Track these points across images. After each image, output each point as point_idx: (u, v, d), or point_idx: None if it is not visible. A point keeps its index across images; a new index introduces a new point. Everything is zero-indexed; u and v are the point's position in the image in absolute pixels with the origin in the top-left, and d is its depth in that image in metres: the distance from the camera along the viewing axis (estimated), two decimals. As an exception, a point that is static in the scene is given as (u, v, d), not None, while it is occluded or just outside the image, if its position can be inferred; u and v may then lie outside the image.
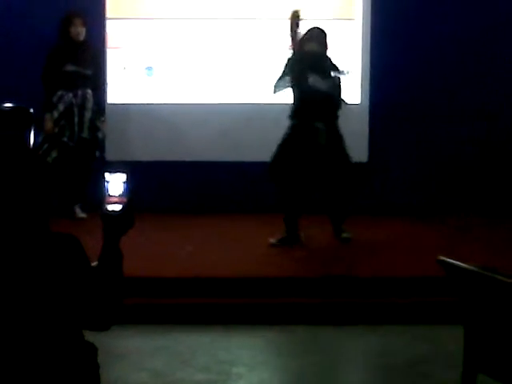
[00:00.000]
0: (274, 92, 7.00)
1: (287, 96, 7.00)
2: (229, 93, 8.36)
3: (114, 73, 8.30)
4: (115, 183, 2.71)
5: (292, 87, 6.88)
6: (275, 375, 5.08)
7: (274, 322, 5.78)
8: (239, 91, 8.36)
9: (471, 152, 8.33)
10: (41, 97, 7.52)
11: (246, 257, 6.56)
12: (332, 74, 6.88)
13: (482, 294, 3.63)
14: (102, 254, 2.68)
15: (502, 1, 8.41)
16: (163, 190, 8.19)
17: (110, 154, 7.97)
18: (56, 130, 7.59)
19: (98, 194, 2.77)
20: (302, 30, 6.92)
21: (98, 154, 7.78)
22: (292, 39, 6.87)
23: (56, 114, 7.60)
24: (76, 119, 7.63)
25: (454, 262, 3.71)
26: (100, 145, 7.84)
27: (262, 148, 7.88)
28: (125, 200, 2.70)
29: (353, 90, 8.11)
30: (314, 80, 6.77)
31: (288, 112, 6.87)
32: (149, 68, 8.35)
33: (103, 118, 7.84)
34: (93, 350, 2.77)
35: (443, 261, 3.75)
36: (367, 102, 8.31)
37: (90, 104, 7.68)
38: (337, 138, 6.82)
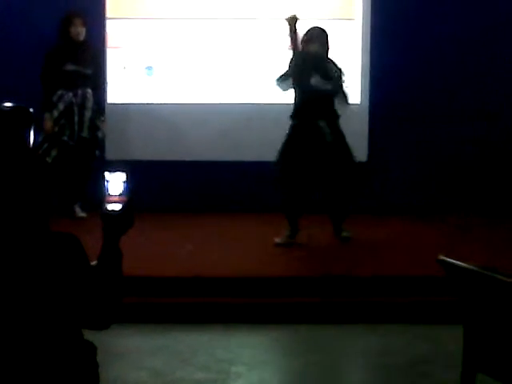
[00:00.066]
0: (276, 84, 6.99)
1: (288, 96, 7.01)
2: (229, 93, 8.36)
3: (113, 72, 8.30)
4: (115, 183, 2.71)
5: (294, 88, 6.89)
6: (275, 374, 5.08)
7: (274, 321, 5.78)
8: (239, 91, 8.36)
9: (471, 151, 8.33)
10: (40, 96, 7.53)
11: (246, 256, 6.57)
12: (335, 73, 6.87)
13: (481, 293, 3.63)
14: (101, 254, 2.69)
15: (502, 1, 8.41)
16: (163, 190, 8.19)
17: (110, 154, 7.97)
18: (56, 129, 7.60)
19: (98, 193, 2.77)
20: (302, 30, 6.92)
21: (97, 153, 7.79)
22: (291, 40, 6.86)
23: (56, 114, 7.60)
24: (76, 118, 7.63)
25: (454, 261, 3.71)
26: (100, 144, 7.85)
27: (262, 148, 7.90)
28: (125, 199, 2.71)
29: (353, 89, 8.11)
30: (315, 81, 6.77)
31: (288, 112, 6.87)
32: (149, 68, 8.36)
33: (103, 118, 7.85)
34: (92, 348, 2.77)
35: (443, 260, 3.75)
36: (367, 102, 8.31)
37: (89, 103, 7.69)
38: (340, 136, 6.83)
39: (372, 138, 8.29)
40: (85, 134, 7.67)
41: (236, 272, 6.13)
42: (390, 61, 8.17)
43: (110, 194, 2.71)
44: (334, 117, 6.84)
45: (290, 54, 6.93)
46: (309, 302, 5.92)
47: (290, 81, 6.88)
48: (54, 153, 7.56)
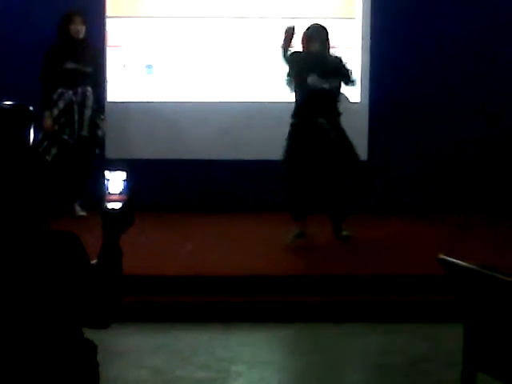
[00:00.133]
0: (286, 84, 6.99)
1: (288, 94, 7.00)
2: (229, 91, 8.36)
3: (113, 71, 8.30)
4: (115, 181, 2.71)
5: (294, 87, 6.90)
6: (275, 373, 5.07)
7: (274, 320, 5.78)
8: (239, 89, 8.36)
9: (471, 151, 8.33)
10: (40, 94, 7.52)
11: (246, 255, 6.57)
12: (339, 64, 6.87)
13: (481, 292, 3.63)
14: (101, 252, 2.68)
15: (502, 1, 8.41)
16: (163, 189, 8.19)
17: (110, 152, 7.97)
18: (56, 127, 7.59)
19: (98, 192, 2.77)
20: (302, 29, 6.93)
21: (97, 151, 7.79)
22: (283, 47, 6.85)
23: (56, 112, 7.60)
24: (76, 117, 7.63)
25: (454, 260, 3.71)
26: (100, 143, 7.85)
27: (263, 146, 7.91)
28: (125, 198, 2.70)
29: (353, 88, 8.10)
30: (312, 80, 6.78)
31: (289, 110, 6.88)
32: (149, 66, 8.35)
33: (103, 116, 7.85)
34: (92, 347, 2.77)
35: (443, 259, 3.75)
36: (367, 101, 8.31)
37: (90, 102, 7.68)
38: (342, 134, 6.84)
39: (372, 138, 8.29)
40: (85, 132, 7.67)
41: (236, 271, 6.13)
42: (390, 60, 8.17)
43: (110, 192, 2.70)
44: (335, 114, 6.84)
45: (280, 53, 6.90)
46: (309, 300, 5.92)
47: (291, 80, 6.89)
48: (53, 151, 7.56)
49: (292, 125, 6.85)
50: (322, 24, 6.97)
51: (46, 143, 7.53)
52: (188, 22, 8.32)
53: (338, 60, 6.90)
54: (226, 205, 8.18)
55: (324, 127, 6.78)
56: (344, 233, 6.94)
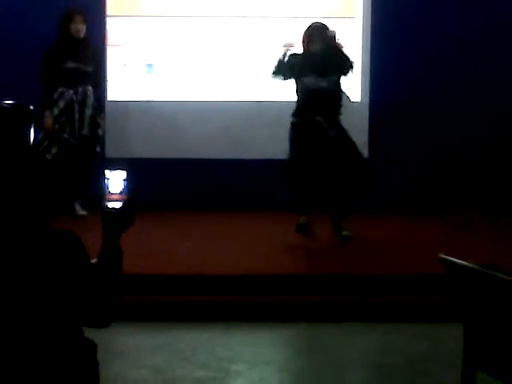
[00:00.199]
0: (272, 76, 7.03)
1: (288, 93, 7.01)
2: (229, 90, 8.36)
3: (114, 70, 8.30)
4: (115, 180, 2.71)
5: (295, 86, 6.91)
6: (275, 373, 5.07)
7: (274, 319, 5.78)
8: (240, 88, 8.36)
9: (471, 149, 8.33)
10: (41, 94, 7.52)
11: (246, 254, 6.56)
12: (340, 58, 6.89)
13: (482, 291, 3.63)
14: (101, 252, 2.68)
15: (502, 1, 8.41)
16: (163, 187, 8.19)
17: (110, 151, 7.97)
18: (56, 126, 7.59)
19: (98, 191, 2.77)
20: (303, 28, 6.95)
21: (98, 149, 7.78)
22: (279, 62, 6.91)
23: (56, 111, 7.60)
24: (76, 116, 7.63)
25: (455, 259, 3.71)
26: (100, 142, 7.84)
27: (263, 145, 7.91)
28: (125, 197, 2.70)
29: (353, 87, 8.11)
30: (309, 80, 6.80)
31: (289, 109, 6.91)
32: (149, 65, 8.35)
33: (103, 115, 7.84)
34: (92, 346, 2.77)
35: (444, 258, 3.75)
36: (367, 100, 8.31)
37: (90, 101, 7.68)
38: (341, 132, 6.85)
39: (372, 137, 8.29)
40: (85, 131, 7.67)
41: (236, 270, 6.13)
42: (390, 59, 8.18)
43: (111, 191, 2.70)
44: (334, 113, 6.85)
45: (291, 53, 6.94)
46: (309, 300, 5.92)
47: (281, 77, 6.92)
48: (54, 150, 7.55)
49: (292, 123, 6.90)
50: (321, 22, 6.97)
51: (46, 142, 7.53)
52: (188, 21, 8.32)
53: (339, 54, 6.89)
54: (226, 204, 8.18)
55: (321, 125, 6.80)
56: (344, 233, 6.94)
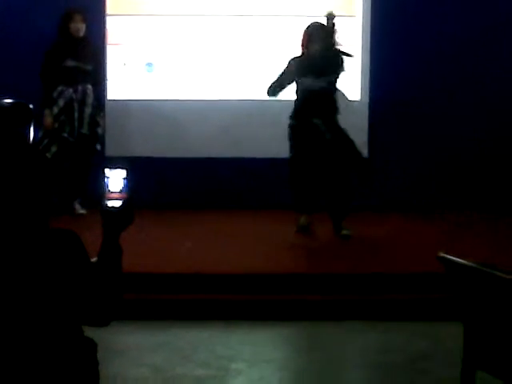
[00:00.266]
0: (268, 94, 7.03)
1: (288, 93, 7.01)
2: (229, 89, 8.36)
3: (114, 69, 8.30)
4: (115, 179, 2.71)
5: (296, 88, 6.93)
6: (275, 371, 5.07)
7: (274, 318, 5.78)
8: (240, 87, 8.36)
9: (471, 149, 8.33)
10: (40, 93, 7.53)
11: (246, 253, 6.57)
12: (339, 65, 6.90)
13: (481, 290, 3.63)
14: (101, 250, 2.69)
15: (502, 1, 8.41)
16: (163, 186, 8.19)
17: (110, 150, 7.97)
18: (56, 125, 7.59)
19: (98, 189, 2.77)
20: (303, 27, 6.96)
21: (98, 147, 7.79)
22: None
23: (56, 110, 7.60)
24: (76, 115, 7.63)
25: (454, 258, 3.71)
26: (100, 140, 7.85)
27: (263, 144, 7.92)
28: (125, 196, 2.70)
29: (353, 86, 8.12)
30: (306, 81, 6.81)
31: (289, 108, 6.92)
32: (149, 64, 8.35)
33: (103, 114, 7.85)
34: (92, 345, 2.77)
35: (443, 257, 3.75)
36: (367, 99, 8.31)
37: (90, 99, 7.68)
38: (339, 132, 6.85)
39: (372, 136, 8.29)
40: (85, 130, 7.67)
41: (236, 269, 6.13)
42: (390, 58, 8.18)
43: (110, 190, 2.70)
44: (331, 114, 6.86)
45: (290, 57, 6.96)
46: (309, 299, 5.92)
47: (284, 81, 6.91)
48: (53, 149, 7.56)
49: (289, 126, 6.91)
50: (319, 22, 6.98)
51: (46, 141, 7.54)
52: (188, 20, 8.32)
53: (338, 55, 6.90)
54: (226, 202, 8.18)
55: (319, 128, 6.81)
56: (344, 232, 6.95)
